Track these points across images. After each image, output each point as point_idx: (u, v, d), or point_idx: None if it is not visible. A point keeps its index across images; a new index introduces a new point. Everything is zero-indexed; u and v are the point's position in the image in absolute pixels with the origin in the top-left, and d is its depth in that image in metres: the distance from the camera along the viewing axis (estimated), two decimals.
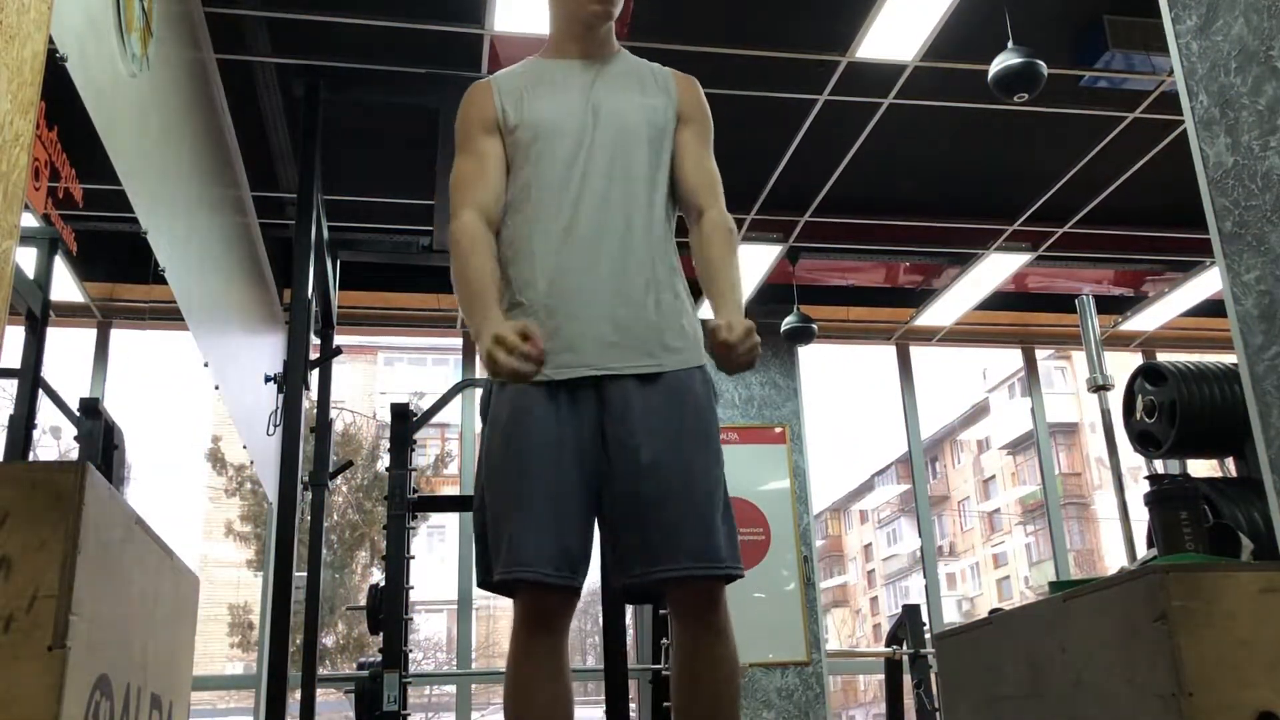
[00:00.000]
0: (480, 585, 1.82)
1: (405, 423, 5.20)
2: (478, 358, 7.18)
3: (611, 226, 1.84)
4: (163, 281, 3.46)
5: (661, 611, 4.59)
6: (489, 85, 1.99)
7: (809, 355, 7.24)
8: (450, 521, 6.98)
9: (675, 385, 1.80)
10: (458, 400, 6.28)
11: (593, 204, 1.85)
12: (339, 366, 4.98)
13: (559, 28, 2.03)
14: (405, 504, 5.01)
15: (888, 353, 7.67)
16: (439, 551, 6.63)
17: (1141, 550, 3.02)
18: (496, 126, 1.93)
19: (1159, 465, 3.70)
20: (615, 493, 1.76)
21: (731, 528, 1.78)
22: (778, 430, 6.97)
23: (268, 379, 4.63)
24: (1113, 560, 19.32)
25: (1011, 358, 8.35)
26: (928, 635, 5.30)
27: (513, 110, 1.93)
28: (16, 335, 3.79)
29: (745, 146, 5.13)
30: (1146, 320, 7.40)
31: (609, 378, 1.78)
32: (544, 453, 1.75)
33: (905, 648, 5.25)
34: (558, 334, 1.78)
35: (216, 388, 4.39)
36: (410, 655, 4.97)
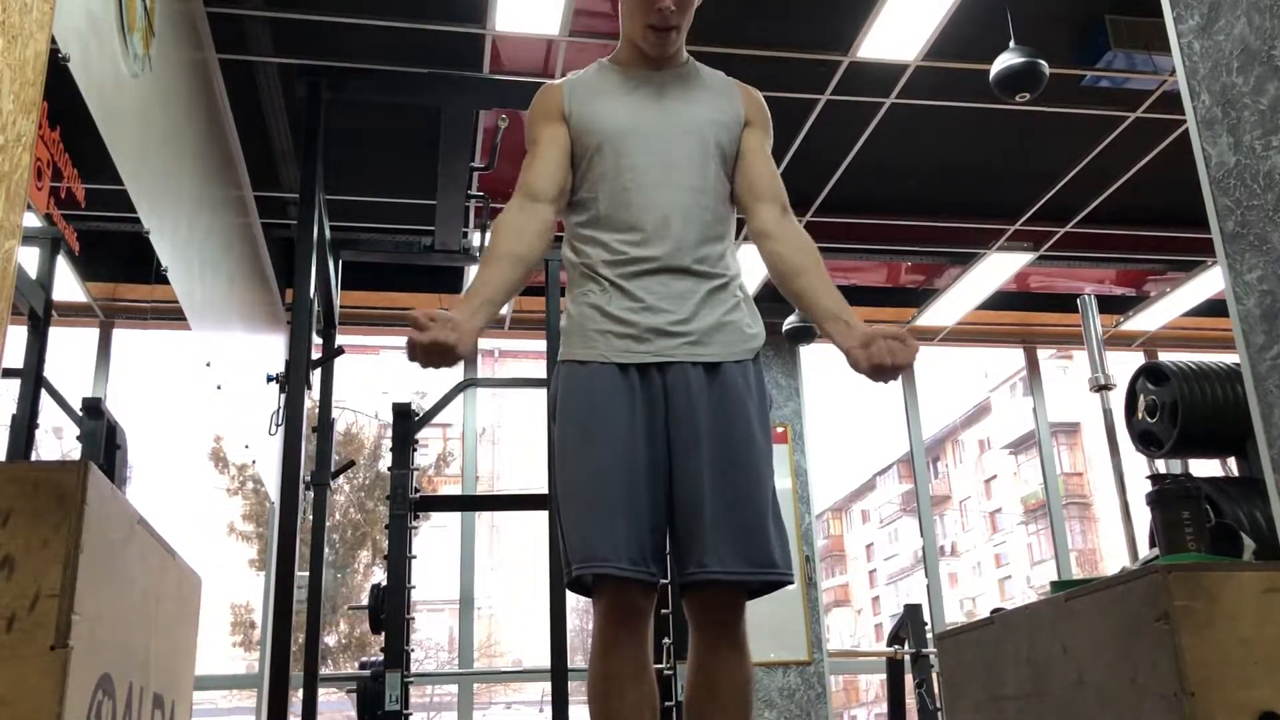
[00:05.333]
0: (567, 587, 1.82)
1: (407, 422, 5.20)
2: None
3: (675, 226, 1.89)
4: (165, 281, 3.47)
5: (664, 611, 4.59)
6: (559, 85, 2.04)
7: (811, 355, 7.24)
8: (452, 521, 6.98)
9: (733, 382, 1.83)
10: (459, 400, 6.29)
11: (658, 205, 1.90)
12: (341, 366, 4.97)
13: (628, 37, 2.05)
14: (407, 503, 5.02)
15: None
16: (441, 551, 6.63)
17: (1143, 550, 3.02)
18: (561, 116, 1.98)
19: (1161, 465, 3.70)
20: (675, 490, 1.78)
21: (782, 531, 1.80)
22: (779, 430, 6.96)
23: (270, 378, 4.64)
24: (1114, 560, 19.31)
25: (1013, 357, 8.34)
26: (929, 635, 5.30)
27: (580, 109, 1.98)
28: (19, 335, 3.79)
29: None
30: (1148, 320, 7.39)
31: (673, 368, 1.82)
32: (618, 445, 1.77)
33: (907, 647, 5.25)
34: (624, 321, 1.84)
35: (219, 387, 4.40)
36: (412, 655, 4.97)
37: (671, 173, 1.92)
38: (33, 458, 3.71)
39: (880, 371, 1.72)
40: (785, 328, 6.38)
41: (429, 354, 1.67)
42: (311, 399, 4.46)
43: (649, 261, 1.87)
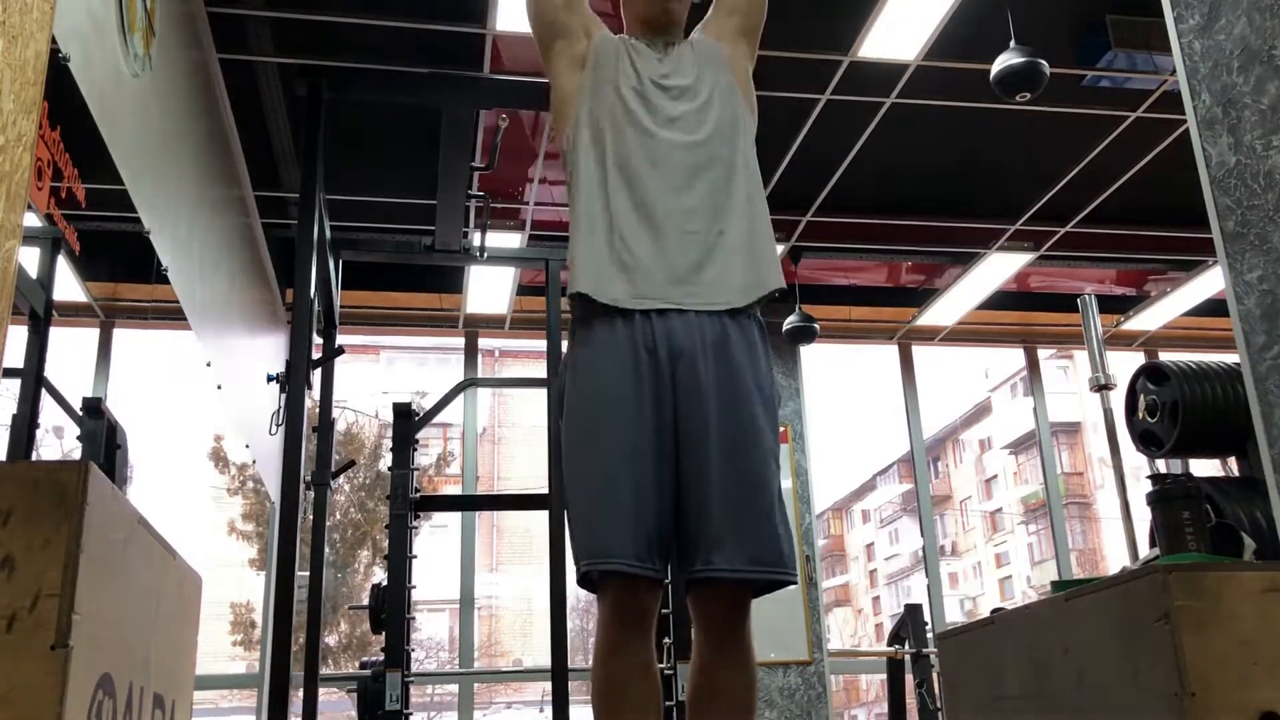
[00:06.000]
0: (577, 583, 1.81)
1: (407, 422, 5.20)
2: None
3: (687, 182, 1.90)
4: (165, 281, 3.46)
5: (665, 611, 4.59)
6: (598, 21, 2.11)
7: (811, 355, 7.23)
8: (452, 521, 6.98)
9: (742, 378, 1.82)
10: (460, 399, 6.28)
11: (671, 165, 1.91)
12: (341, 366, 4.97)
13: (631, 17, 2.11)
14: (407, 503, 5.02)
15: (890, 352, 7.67)
16: (441, 551, 6.64)
17: (1144, 550, 3.02)
18: (585, 29, 2.06)
19: (1161, 464, 3.70)
20: (682, 487, 1.77)
21: (787, 530, 1.79)
22: (780, 429, 6.96)
23: (270, 378, 4.63)
24: (1115, 560, 19.31)
25: (1014, 357, 8.34)
26: (930, 635, 5.30)
27: (601, 52, 2.02)
28: (19, 335, 3.79)
29: None
30: (1149, 320, 7.39)
31: (684, 359, 1.80)
32: (626, 442, 1.75)
33: (907, 647, 5.25)
34: (633, 274, 1.83)
35: (219, 387, 4.40)
36: (412, 654, 4.98)
37: (680, 133, 1.94)
38: (33, 457, 3.71)
39: None
40: (786, 327, 6.37)
41: None
42: (312, 399, 4.47)
43: (657, 222, 1.87)
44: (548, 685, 4.87)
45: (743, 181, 1.96)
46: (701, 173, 1.91)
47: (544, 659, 4.87)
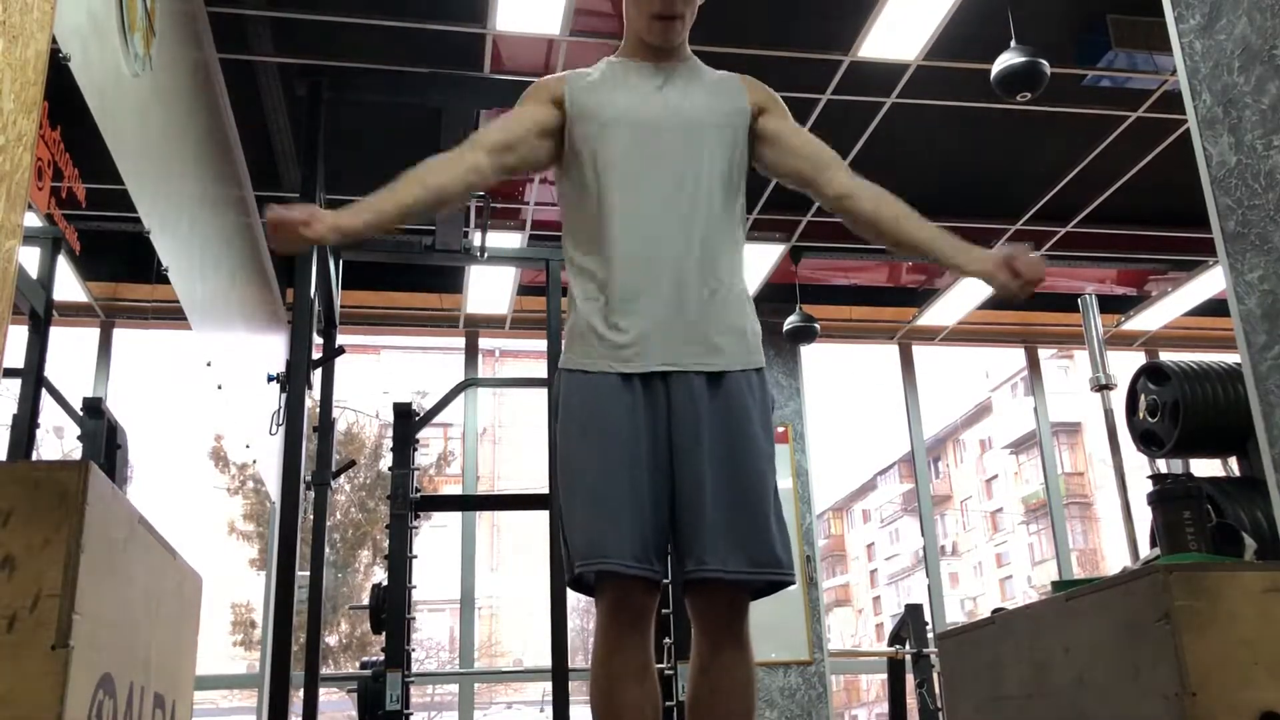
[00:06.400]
0: (568, 586, 1.81)
1: (408, 422, 5.20)
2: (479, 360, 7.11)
3: (679, 224, 1.86)
4: (165, 281, 3.47)
5: (665, 611, 4.59)
6: (561, 76, 2.03)
7: (812, 355, 7.24)
8: (453, 521, 6.98)
9: (736, 388, 1.82)
10: (460, 399, 6.29)
11: (660, 199, 1.87)
12: (341, 366, 4.97)
13: (633, 30, 2.03)
14: (408, 503, 5.01)
15: (890, 352, 7.67)
16: (441, 551, 6.64)
17: (1144, 550, 3.02)
18: (554, 101, 1.97)
19: (1162, 464, 3.70)
20: (676, 490, 1.77)
21: (784, 531, 1.79)
22: (780, 430, 6.96)
23: (270, 378, 4.64)
24: (1115, 560, 19.31)
25: (1014, 357, 8.34)
26: (930, 635, 5.30)
27: (578, 98, 1.95)
28: (19, 335, 3.79)
29: None
30: (1149, 320, 7.38)
31: (676, 376, 1.80)
32: (620, 444, 1.75)
33: (908, 647, 5.25)
34: (628, 326, 1.81)
35: (219, 387, 4.40)
36: (412, 654, 4.97)
37: (675, 164, 1.89)
38: (34, 457, 3.71)
39: (1027, 286, 1.93)
40: (787, 327, 6.37)
41: (276, 230, 1.71)
42: (312, 399, 4.47)
43: (649, 260, 1.84)
44: (548, 685, 4.87)
45: (731, 222, 1.93)
46: (690, 216, 1.87)
47: (544, 659, 4.87)
